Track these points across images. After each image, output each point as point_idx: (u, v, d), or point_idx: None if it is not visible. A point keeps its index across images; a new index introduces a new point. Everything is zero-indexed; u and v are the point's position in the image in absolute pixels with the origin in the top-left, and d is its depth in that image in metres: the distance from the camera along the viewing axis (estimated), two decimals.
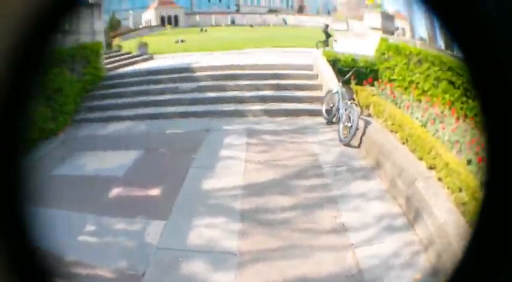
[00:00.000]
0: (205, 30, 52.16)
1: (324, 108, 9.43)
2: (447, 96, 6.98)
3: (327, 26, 21.77)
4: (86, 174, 7.32)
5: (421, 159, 5.39)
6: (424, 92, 8.09)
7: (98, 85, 13.58)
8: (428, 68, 8.44)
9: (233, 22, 78.07)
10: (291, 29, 51.40)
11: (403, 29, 11.91)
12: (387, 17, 17.33)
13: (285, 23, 77.36)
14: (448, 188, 4.42)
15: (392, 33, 12.37)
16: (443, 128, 5.71)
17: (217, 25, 74.26)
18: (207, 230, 4.87)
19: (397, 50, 10.09)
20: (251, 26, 64.92)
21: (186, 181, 6.40)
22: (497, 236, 1.40)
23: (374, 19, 17.74)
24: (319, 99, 10.18)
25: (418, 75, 8.84)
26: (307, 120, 9.57)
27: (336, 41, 16.52)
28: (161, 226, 5.00)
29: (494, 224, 1.43)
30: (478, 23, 1.40)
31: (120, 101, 12.26)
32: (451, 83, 7.24)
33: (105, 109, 11.94)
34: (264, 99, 10.97)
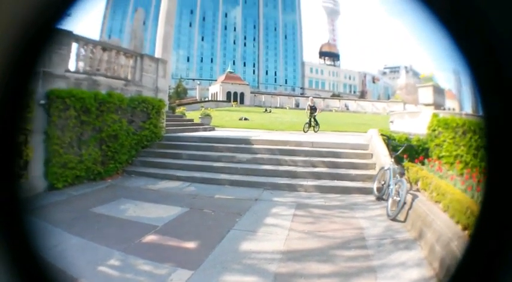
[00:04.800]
0: (270, 111, 53.56)
1: (375, 185, 9.45)
2: (483, 164, 6.87)
3: (309, 106, 22.90)
4: (125, 218, 7.49)
5: (458, 222, 5.30)
6: (466, 164, 8.06)
7: (155, 143, 13.99)
8: (471, 138, 8.52)
9: (297, 105, 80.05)
10: (352, 115, 52.05)
11: (453, 109, 12.29)
12: (438, 91, 17.42)
13: (347, 109, 78.51)
14: None
15: (442, 107, 12.56)
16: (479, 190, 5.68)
17: (281, 107, 76.27)
18: None
19: (446, 124, 10.46)
20: None
21: (225, 239, 6.30)
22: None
23: (426, 94, 17.86)
24: (371, 178, 10.16)
25: (462, 148, 9.21)
26: (358, 198, 9.45)
27: (392, 122, 16.55)
28: (187, 275, 4.83)
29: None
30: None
31: (175, 161, 12.66)
32: None
33: (159, 167, 12.32)
34: (317, 176, 10.96)
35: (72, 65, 11.39)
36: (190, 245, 6.13)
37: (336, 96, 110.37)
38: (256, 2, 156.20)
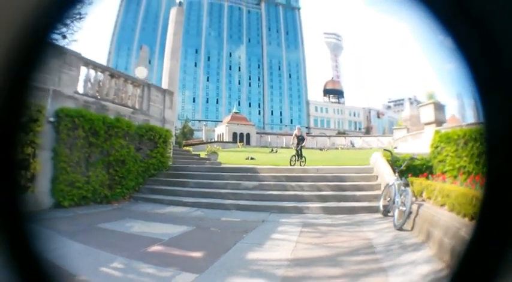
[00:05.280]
0: (276, 151, 53.39)
1: (381, 203, 9.52)
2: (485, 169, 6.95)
3: (296, 136, 20.49)
4: (130, 232, 7.52)
5: (464, 216, 5.36)
6: (469, 173, 8.15)
7: (163, 172, 14.04)
8: (472, 146, 8.69)
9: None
10: (357, 151, 51.99)
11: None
12: (439, 108, 17.40)
13: (353, 146, 78.35)
14: None
15: (443, 123, 12.56)
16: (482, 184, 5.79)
17: (287, 147, 76.15)
18: None
19: (448, 138, 10.56)
20: (320, 149, 66.30)
21: (231, 250, 6.23)
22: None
23: (428, 112, 17.83)
24: (377, 198, 10.12)
25: (465, 158, 9.26)
26: (364, 216, 9.39)
27: (396, 148, 16.47)
28: (192, 278, 4.73)
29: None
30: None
31: (181, 189, 12.67)
32: None
33: (166, 194, 12.36)
34: (323, 199, 10.92)
35: (81, 88, 11.70)
36: (196, 254, 6.06)
37: (341, 133, 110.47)
38: (259, 40, 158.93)
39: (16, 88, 1.76)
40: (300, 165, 18.46)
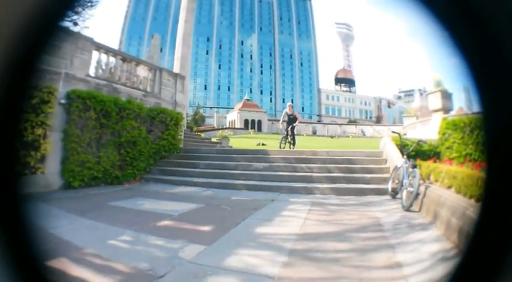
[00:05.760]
0: None
1: (389, 185, 9.51)
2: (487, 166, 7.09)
3: (287, 114, 17.84)
4: (140, 209, 7.65)
5: (471, 197, 5.39)
6: (475, 161, 8.31)
7: (173, 154, 14.20)
8: (478, 135, 8.83)
9: (314, 132, 79.66)
10: (368, 140, 51.84)
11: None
12: (446, 96, 17.41)
13: (364, 134, 78.20)
14: None
15: (450, 110, 12.56)
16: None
17: (298, 134, 75.90)
18: (249, 258, 4.56)
19: (454, 125, 10.65)
20: (331, 136, 66.32)
21: (240, 225, 6.34)
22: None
23: (435, 100, 17.84)
24: (386, 181, 10.18)
25: (470, 146, 9.44)
26: (373, 198, 9.42)
27: (405, 134, 16.27)
28: (200, 249, 4.81)
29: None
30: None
31: (192, 170, 12.80)
32: None
33: (177, 174, 12.49)
34: (333, 180, 10.97)
35: (92, 71, 11.78)
36: (205, 228, 6.16)
37: (352, 122, 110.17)
38: (271, 29, 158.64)
39: (23, 71, 1.76)
40: (289, 148, 16.97)
